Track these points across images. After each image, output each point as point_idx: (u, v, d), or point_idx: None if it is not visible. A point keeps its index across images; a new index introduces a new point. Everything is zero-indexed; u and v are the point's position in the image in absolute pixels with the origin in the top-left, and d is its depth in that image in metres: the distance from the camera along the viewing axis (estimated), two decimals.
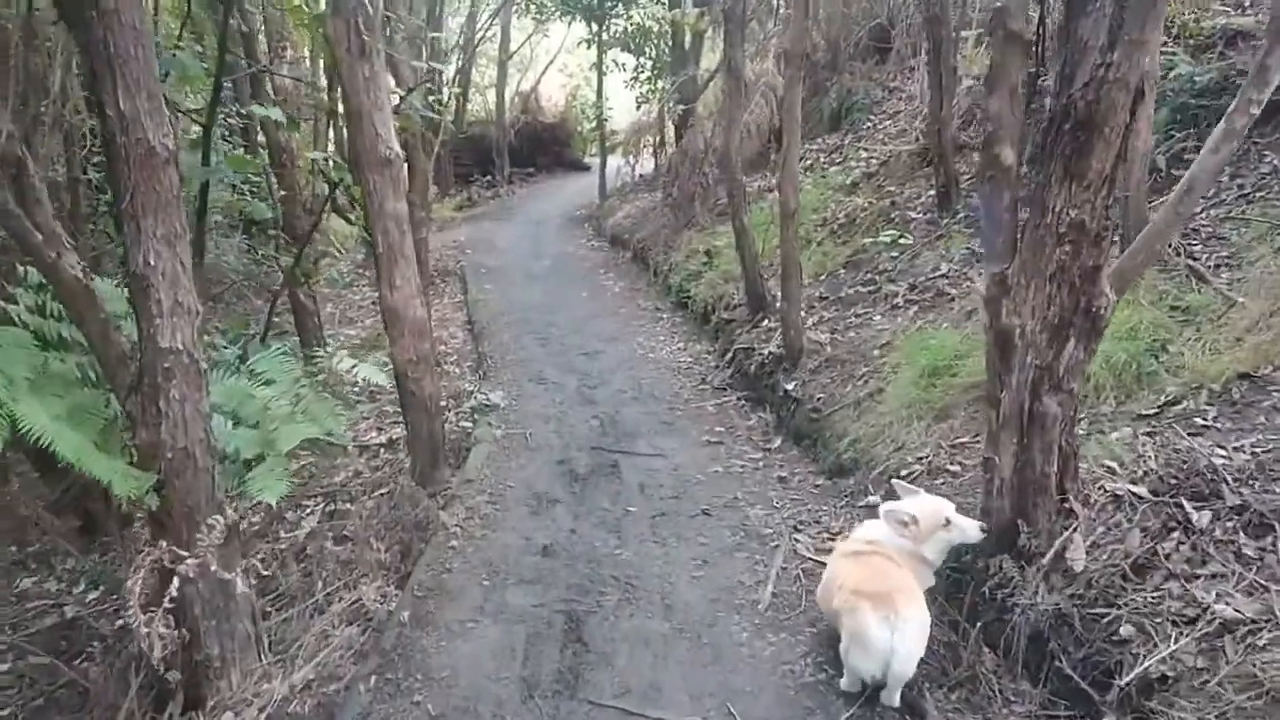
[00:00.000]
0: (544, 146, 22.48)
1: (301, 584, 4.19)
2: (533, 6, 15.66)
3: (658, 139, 14.79)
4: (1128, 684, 2.34)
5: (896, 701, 2.72)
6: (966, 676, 2.73)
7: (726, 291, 7.94)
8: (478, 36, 19.48)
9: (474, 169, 20.68)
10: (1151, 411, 3.33)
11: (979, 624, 2.81)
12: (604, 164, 15.60)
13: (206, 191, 4.88)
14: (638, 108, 15.44)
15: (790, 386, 5.45)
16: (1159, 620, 2.41)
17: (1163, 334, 3.74)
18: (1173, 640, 2.33)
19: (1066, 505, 2.81)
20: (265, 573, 4.02)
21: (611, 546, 4.01)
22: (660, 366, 7.34)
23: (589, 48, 15.31)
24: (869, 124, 9.66)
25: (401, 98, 5.85)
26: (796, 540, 3.90)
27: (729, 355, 6.77)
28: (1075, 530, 2.73)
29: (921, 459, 3.98)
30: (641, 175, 16.31)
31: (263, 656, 3.48)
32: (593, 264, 12.30)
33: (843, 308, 6.27)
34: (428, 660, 3.18)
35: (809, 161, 9.90)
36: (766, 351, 6.10)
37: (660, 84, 14.16)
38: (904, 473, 3.96)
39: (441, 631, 3.34)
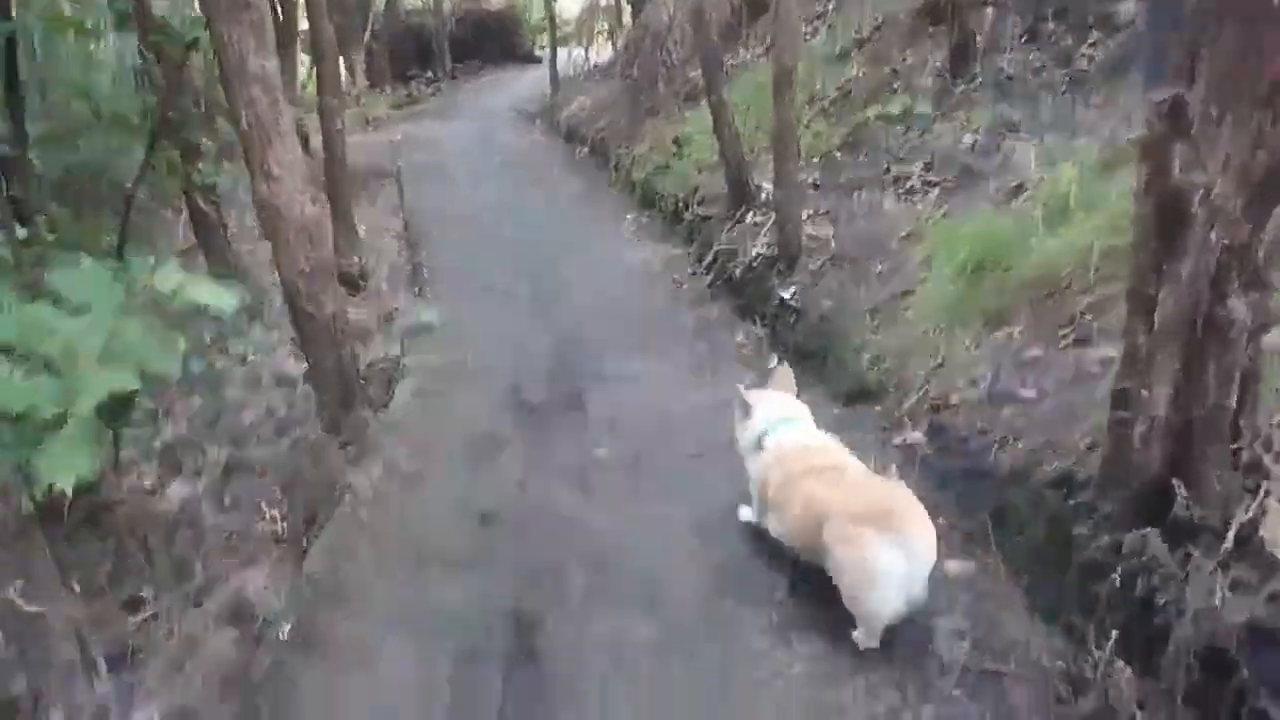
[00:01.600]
0: (490, 36, 20.42)
1: (174, 568, 3.22)
2: None
3: (613, 21, 13.20)
4: None
5: (875, 642, 2.21)
6: (1097, 711, 1.86)
7: (701, 183, 6.82)
8: None
9: (413, 63, 18.70)
10: None
11: (1113, 633, 1.92)
12: (554, 51, 13.97)
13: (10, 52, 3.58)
14: None
15: (788, 294, 4.45)
16: None
17: None
18: None
19: (1249, 458, 1.90)
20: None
21: (575, 508, 3.06)
22: (628, 274, 6.29)
23: None
24: None
25: None
26: None
27: (708, 259, 5.72)
28: (1269, 495, 1.82)
29: (975, 380, 3.04)
30: (596, 65, 14.73)
31: (96, 685, 2.53)
32: (545, 161, 10.97)
33: (843, 195, 5.22)
34: (302, 716, 2.23)
35: None
36: (755, 252, 5.07)
37: None
38: (954, 399, 3.04)
39: (332, 657, 2.38)
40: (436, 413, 3.92)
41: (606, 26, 14.05)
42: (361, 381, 4.01)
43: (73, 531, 3.31)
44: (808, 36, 8.19)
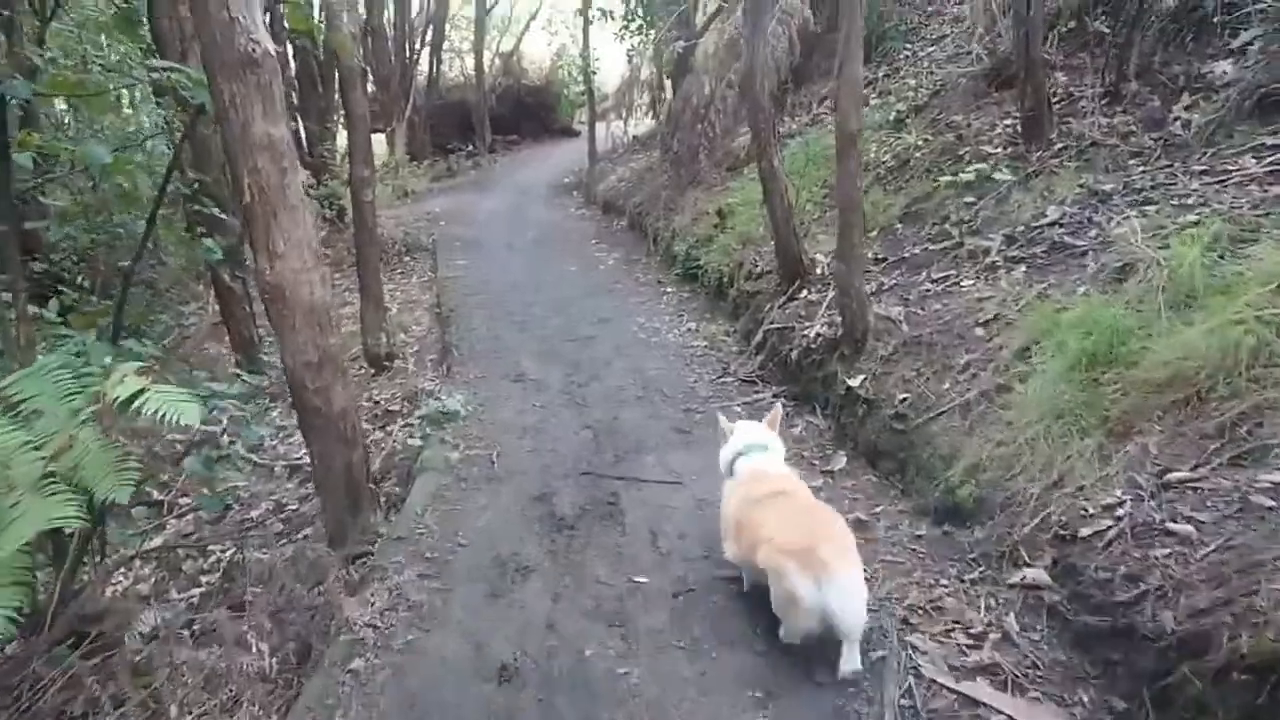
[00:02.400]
0: (528, 111, 20.74)
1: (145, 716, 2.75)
2: None
3: (653, 94, 13.14)
4: None
5: (858, 664, 2.33)
6: None
7: (746, 258, 6.39)
8: None
9: (453, 136, 18.96)
10: None
11: None
12: (593, 123, 13.94)
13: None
14: (629, 62, 13.75)
15: (855, 382, 3.92)
16: None
17: None
18: None
19: None
20: None
21: (612, 658, 2.49)
22: (668, 353, 5.82)
23: None
24: (907, 53, 8.04)
25: None
26: (915, 651, 2.38)
27: (757, 338, 5.23)
28: None
29: (1110, 506, 2.46)
30: (635, 137, 14.68)
31: None
32: (582, 234, 10.73)
33: (910, 271, 4.73)
34: None
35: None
36: (813, 333, 4.57)
37: (654, 35, 12.50)
38: (1082, 530, 2.45)
39: None
40: (455, 523, 3.42)
41: (646, 100, 14.00)
42: (373, 485, 3.54)
43: (53, 647, 2.86)
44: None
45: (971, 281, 4.19)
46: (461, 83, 20.59)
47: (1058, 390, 2.96)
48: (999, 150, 5.36)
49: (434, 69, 19.58)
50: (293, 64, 12.24)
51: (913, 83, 7.17)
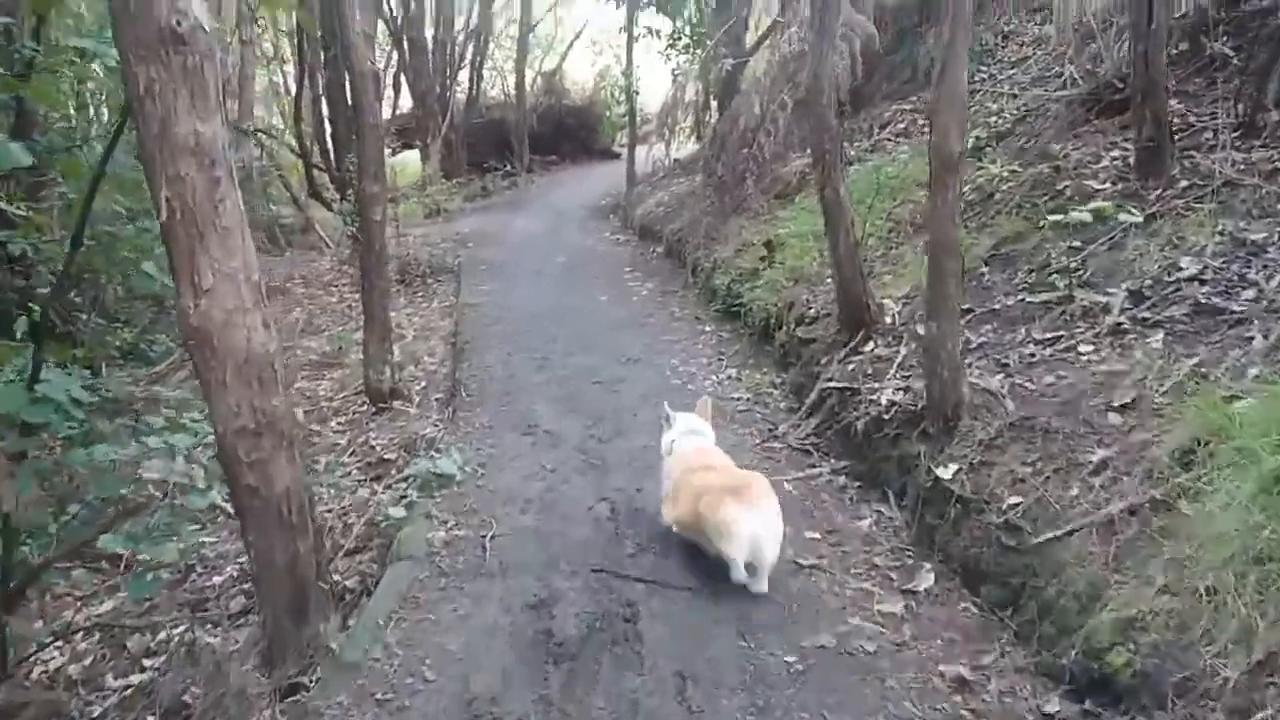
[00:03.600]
0: (569, 132, 20.21)
1: None
2: None
3: (698, 114, 12.46)
4: None
5: (764, 587, 2.87)
6: None
7: (798, 297, 5.60)
8: (493, 5, 17.36)
9: (491, 155, 18.48)
10: None
11: None
12: (633, 144, 13.29)
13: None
14: (673, 81, 13.14)
15: (947, 473, 3.08)
16: None
17: None
18: None
19: None
20: None
21: None
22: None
23: (617, 6, 12.99)
24: (984, 75, 7.22)
25: None
26: None
27: (813, 396, 4.42)
28: None
29: None
30: (677, 159, 14.00)
31: None
32: (616, 260, 10.01)
33: (1004, 327, 3.90)
34: None
35: (902, 124, 7.52)
36: (884, 399, 3.74)
37: (700, 52, 11.85)
38: None
39: None
40: (422, 643, 2.64)
41: (690, 121, 13.34)
42: (325, 585, 2.78)
43: None
44: (928, 131, 7.05)
45: (1091, 347, 3.34)
46: (502, 101, 20.16)
47: (1250, 521, 2.11)
48: (1106, 186, 4.52)
49: (475, 86, 19.20)
50: (322, 70, 11.85)
51: (993, 106, 6.35)
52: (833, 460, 3.96)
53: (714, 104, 11.86)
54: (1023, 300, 4.04)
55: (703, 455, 3.28)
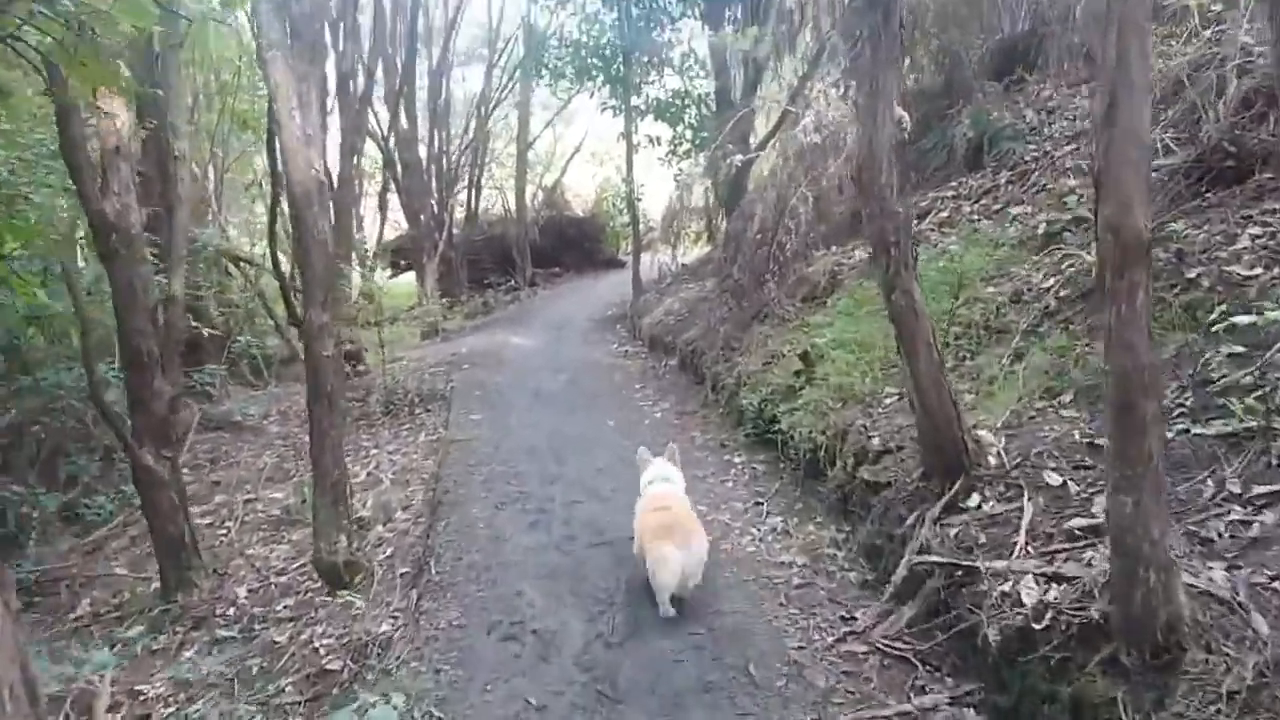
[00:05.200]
0: (571, 243, 19.76)
1: None
2: (546, 73, 13.00)
3: (708, 215, 11.74)
4: None
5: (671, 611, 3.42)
6: None
7: (852, 423, 4.47)
8: (490, 123, 17.15)
9: (492, 271, 17.90)
10: None
11: None
12: (637, 251, 12.57)
13: None
14: (676, 185, 12.54)
15: None
16: None
17: None
18: None
19: None
20: None
21: None
22: (746, 573, 3.83)
23: (615, 115, 12.54)
24: (1035, 152, 6.33)
25: None
26: None
27: (901, 572, 3.21)
28: None
29: None
30: (684, 264, 13.23)
31: None
32: (625, 376, 8.97)
33: (1177, 474, 2.72)
34: None
35: (944, 213, 6.57)
36: (1026, 594, 2.52)
37: (704, 155, 11.27)
38: None
39: None
40: None
41: (697, 225, 12.64)
42: None
43: None
44: (975, 220, 6.10)
45: None
46: (503, 216, 19.83)
47: None
48: (1259, 272, 3.45)
49: (474, 203, 18.86)
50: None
51: (1063, 185, 5.38)
52: (952, 682, 2.70)
53: (722, 205, 11.15)
54: (1189, 433, 2.89)
55: (661, 500, 3.78)
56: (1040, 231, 5.02)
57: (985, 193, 6.36)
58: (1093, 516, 2.80)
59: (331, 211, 10.21)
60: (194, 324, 8.04)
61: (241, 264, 11.76)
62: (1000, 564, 2.75)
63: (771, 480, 5.10)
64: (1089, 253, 4.39)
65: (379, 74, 12.52)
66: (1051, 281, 4.45)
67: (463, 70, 18.98)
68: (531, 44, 14.89)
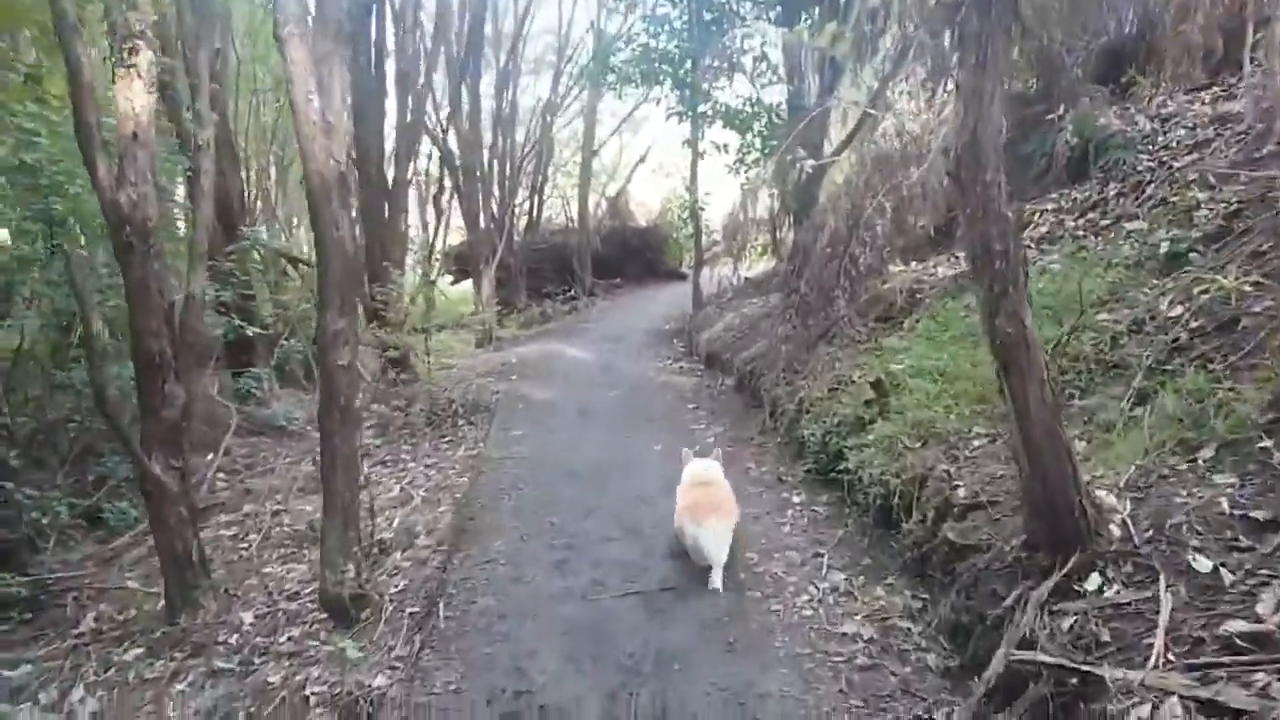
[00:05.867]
0: (634, 254, 19.34)
1: None
2: (613, 76, 12.59)
3: (773, 226, 11.09)
4: None
5: (718, 583, 3.71)
6: None
7: (932, 468, 3.81)
8: (555, 130, 16.89)
9: (552, 280, 17.61)
10: None
11: None
12: (698, 263, 12.02)
13: None
14: (742, 195, 11.93)
15: None
16: None
17: None
18: None
19: None
20: None
21: None
22: (802, 645, 3.22)
23: (680, 121, 12.03)
24: (1150, 163, 5.53)
25: None
26: None
27: (996, 668, 2.56)
28: None
29: None
30: (747, 278, 12.59)
31: None
32: (677, 395, 8.40)
33: None
34: None
35: (1044, 227, 5.83)
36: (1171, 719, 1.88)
37: (771, 162, 10.64)
38: None
39: None
40: None
41: (762, 237, 11.99)
42: None
43: None
44: (1082, 236, 5.34)
45: None
46: (565, 225, 19.57)
47: None
48: None
49: (535, 211, 18.64)
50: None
51: (1186, 199, 4.60)
52: None
53: (790, 215, 10.49)
54: None
55: (700, 476, 4.33)
56: (1162, 251, 4.27)
57: (1091, 206, 5.59)
58: (1259, 621, 2.13)
59: (385, 209, 9.99)
60: (240, 324, 7.82)
61: (300, 265, 11.69)
62: (1134, 675, 2.09)
63: (835, 527, 4.46)
64: (1225, 276, 3.65)
65: (440, 74, 12.32)
66: (1180, 309, 3.72)
67: (530, 79, 18.85)
68: (599, 49, 14.57)
